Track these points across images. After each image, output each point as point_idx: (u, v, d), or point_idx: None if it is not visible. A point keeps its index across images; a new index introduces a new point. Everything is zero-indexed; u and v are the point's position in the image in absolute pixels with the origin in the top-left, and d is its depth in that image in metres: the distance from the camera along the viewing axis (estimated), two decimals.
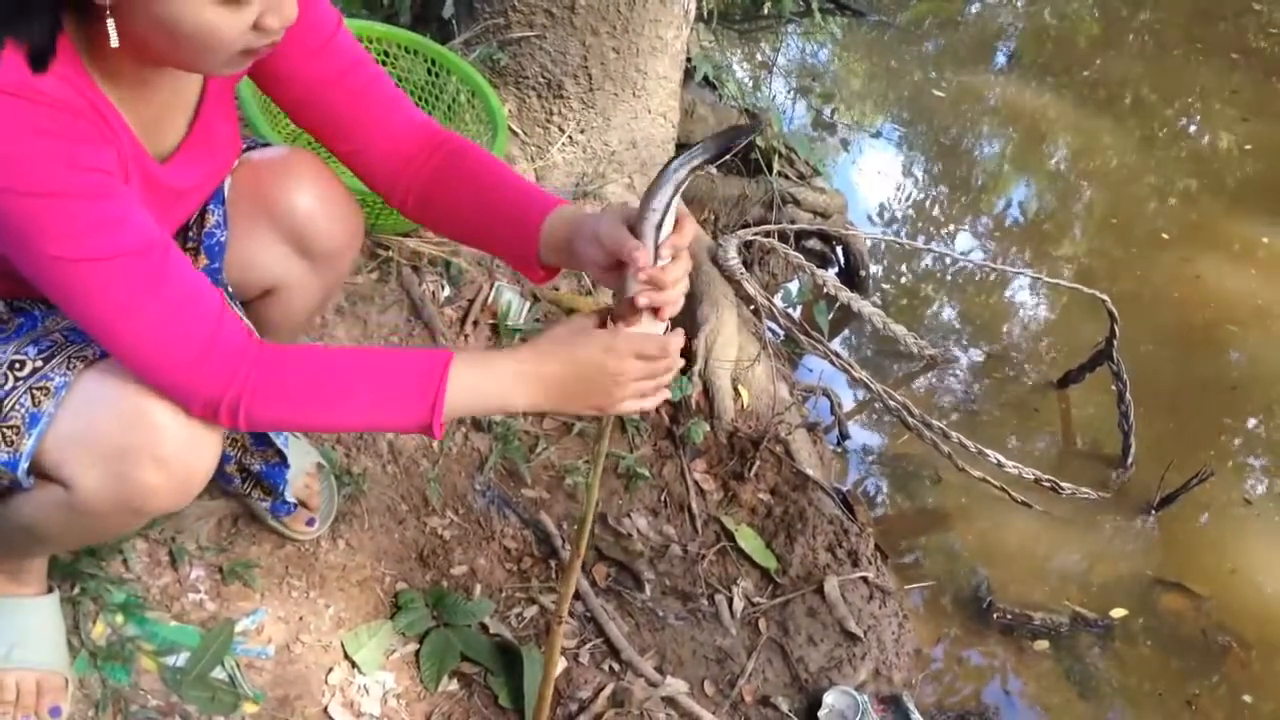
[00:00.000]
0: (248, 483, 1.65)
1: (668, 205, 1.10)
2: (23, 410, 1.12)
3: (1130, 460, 2.66)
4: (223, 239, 1.37)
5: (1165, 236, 3.57)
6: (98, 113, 1.02)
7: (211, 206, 1.36)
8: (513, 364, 1.14)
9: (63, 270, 0.99)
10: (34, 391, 1.12)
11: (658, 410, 2.31)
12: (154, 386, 1.08)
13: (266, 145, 1.43)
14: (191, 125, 1.19)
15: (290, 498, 1.69)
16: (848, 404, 2.78)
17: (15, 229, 0.97)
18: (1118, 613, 2.33)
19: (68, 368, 1.14)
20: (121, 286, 1.01)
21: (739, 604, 2.08)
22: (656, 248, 1.12)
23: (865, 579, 2.17)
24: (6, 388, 1.13)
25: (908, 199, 3.76)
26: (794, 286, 3.18)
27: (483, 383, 1.13)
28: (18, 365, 1.15)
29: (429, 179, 1.29)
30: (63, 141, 0.96)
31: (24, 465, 1.12)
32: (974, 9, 5.26)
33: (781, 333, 2.70)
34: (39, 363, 1.15)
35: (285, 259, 1.41)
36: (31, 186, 0.95)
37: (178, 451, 1.11)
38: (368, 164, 1.30)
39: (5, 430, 1.12)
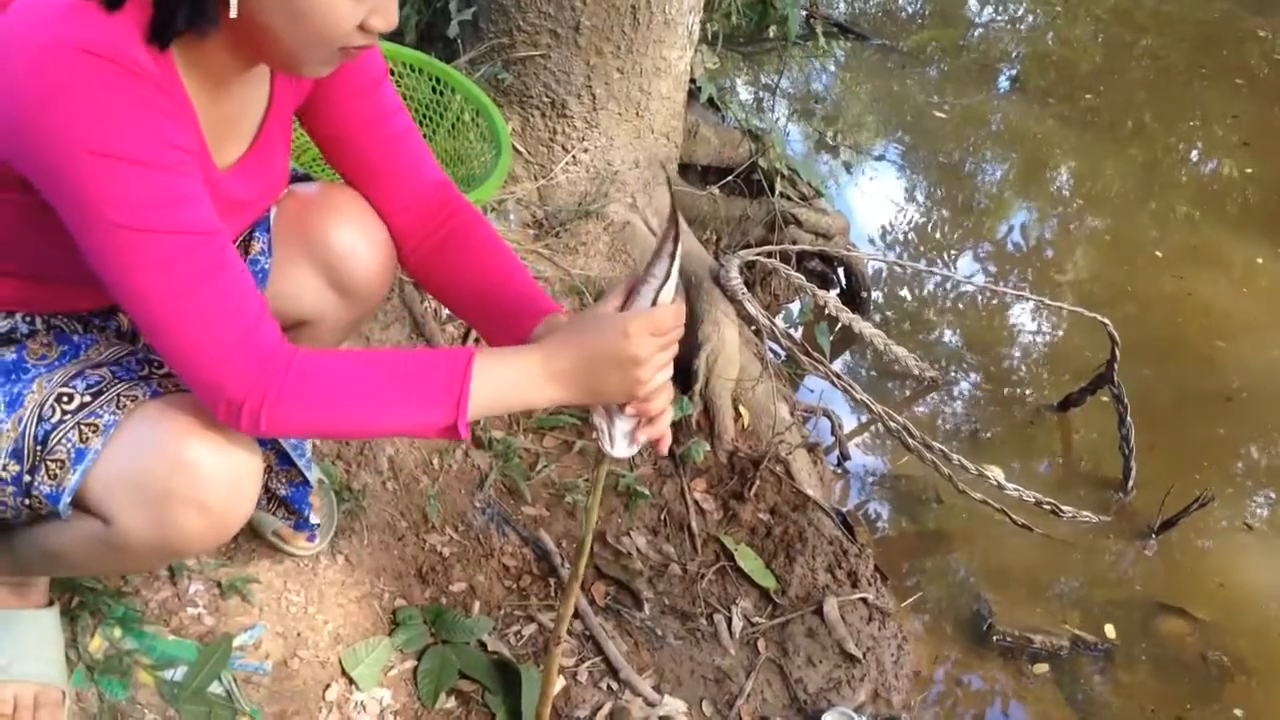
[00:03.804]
0: (272, 504, 1.64)
1: (667, 273, 1.14)
2: (69, 445, 1.12)
3: (1131, 484, 2.65)
4: (267, 266, 1.37)
5: (1159, 254, 3.58)
6: (179, 100, 1.03)
7: (258, 233, 1.36)
8: (534, 360, 1.13)
9: (122, 239, 0.98)
10: (82, 427, 1.12)
11: None
12: (184, 378, 1.06)
13: (310, 179, 1.45)
14: (253, 143, 1.20)
15: (315, 519, 1.66)
16: (848, 425, 2.78)
17: (83, 192, 0.96)
18: (1114, 633, 2.33)
19: (117, 406, 1.14)
20: (175, 266, 1.00)
21: (738, 624, 2.07)
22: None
23: (865, 600, 2.17)
24: (54, 420, 1.13)
25: (909, 221, 3.77)
26: (795, 307, 3.18)
27: (505, 381, 1.12)
28: (65, 399, 1.15)
29: (435, 247, 1.33)
30: (155, 114, 0.97)
31: (66, 500, 1.13)
32: (977, 34, 5.29)
33: (783, 353, 2.71)
34: (87, 398, 1.15)
35: (320, 293, 1.41)
36: (117, 149, 0.95)
37: (220, 499, 1.12)
38: (382, 212, 1.34)
39: (50, 464, 1.12)
